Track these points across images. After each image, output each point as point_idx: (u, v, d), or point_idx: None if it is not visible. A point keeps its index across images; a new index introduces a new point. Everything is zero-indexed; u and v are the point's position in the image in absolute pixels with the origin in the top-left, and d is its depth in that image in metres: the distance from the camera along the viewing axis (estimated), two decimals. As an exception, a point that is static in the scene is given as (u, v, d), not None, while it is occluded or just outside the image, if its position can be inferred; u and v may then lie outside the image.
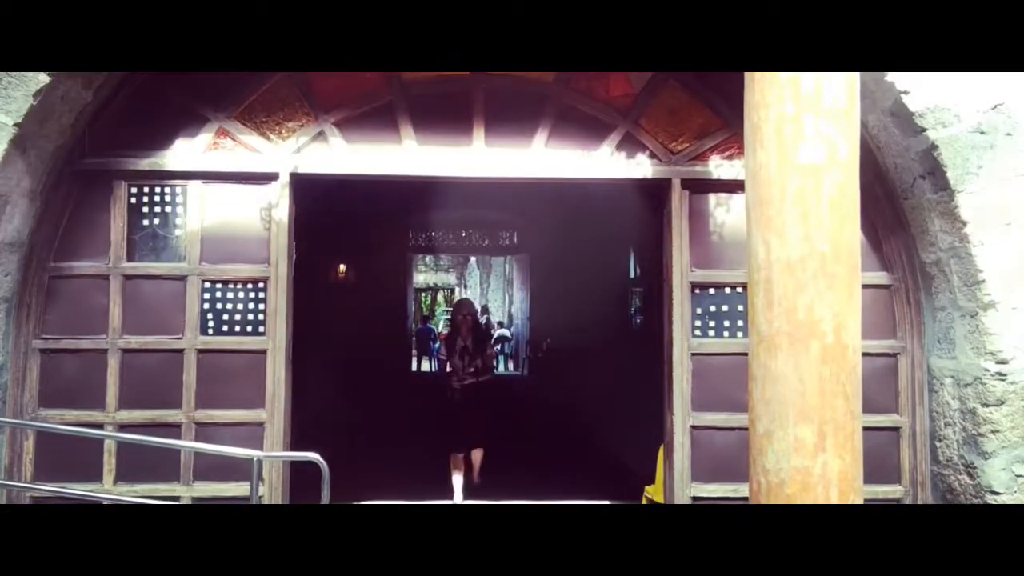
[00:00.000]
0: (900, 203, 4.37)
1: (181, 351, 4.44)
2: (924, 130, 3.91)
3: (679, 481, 4.55)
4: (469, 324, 6.74)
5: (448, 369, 6.68)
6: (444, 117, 4.60)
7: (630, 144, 4.64)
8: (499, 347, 16.90)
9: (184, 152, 4.50)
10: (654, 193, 4.87)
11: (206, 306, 4.48)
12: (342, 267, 11.70)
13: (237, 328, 4.50)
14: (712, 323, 4.62)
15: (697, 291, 4.62)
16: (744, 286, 3.93)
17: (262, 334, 4.49)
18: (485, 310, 23.20)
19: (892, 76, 3.85)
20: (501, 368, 16.43)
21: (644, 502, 5.35)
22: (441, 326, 21.14)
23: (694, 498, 4.53)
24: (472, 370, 6.48)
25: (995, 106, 3.86)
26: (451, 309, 7.80)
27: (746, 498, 2.90)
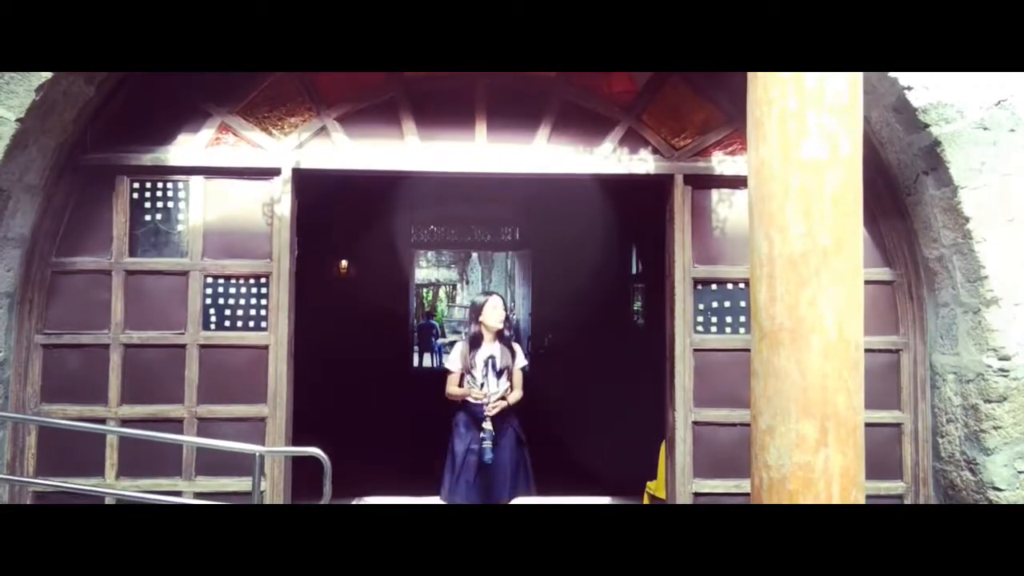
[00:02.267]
0: (903, 199, 4.37)
1: (183, 346, 4.44)
2: (927, 126, 3.90)
3: (681, 477, 4.55)
4: (499, 330, 4.78)
5: (463, 396, 4.63)
6: (446, 112, 4.60)
7: (632, 140, 4.63)
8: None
9: (186, 147, 4.50)
10: (656, 189, 4.87)
11: (208, 301, 4.49)
12: (344, 262, 11.71)
13: (239, 323, 4.50)
14: (714, 319, 4.62)
15: (699, 287, 4.62)
16: (746, 282, 3.95)
17: (264, 329, 4.49)
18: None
19: (895, 72, 3.84)
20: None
21: (646, 497, 5.35)
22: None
23: (696, 494, 4.53)
24: (498, 391, 4.60)
25: (998, 102, 3.85)
26: (471, 307, 5.00)
27: (748, 494, 2.91)
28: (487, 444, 4.43)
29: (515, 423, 4.70)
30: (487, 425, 4.46)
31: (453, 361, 4.80)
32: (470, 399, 4.59)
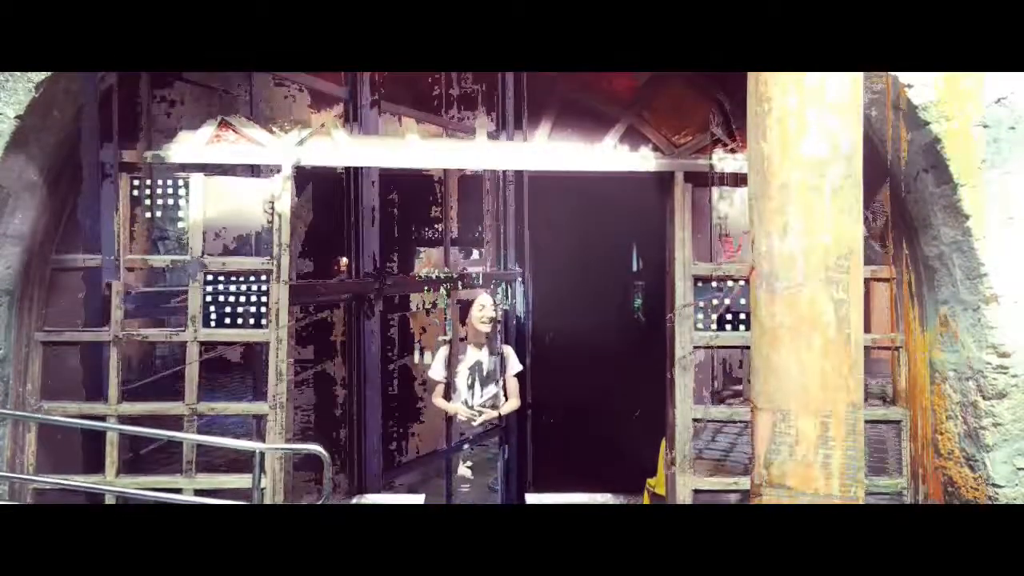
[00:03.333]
0: (903, 197, 4.36)
1: (183, 344, 4.45)
2: (927, 124, 3.90)
3: (680, 474, 4.56)
4: (486, 330, 4.32)
5: (451, 412, 4.19)
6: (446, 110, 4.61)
7: (633, 137, 4.63)
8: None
9: (186, 145, 4.48)
10: (657, 186, 4.87)
11: (208, 299, 4.49)
12: (344, 260, 11.69)
13: (239, 321, 4.50)
14: (714, 316, 4.62)
15: (700, 284, 4.62)
16: (747, 279, 3.95)
17: (264, 327, 4.49)
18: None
19: (895, 71, 3.83)
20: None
21: (646, 494, 5.36)
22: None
23: (696, 491, 4.54)
24: (484, 400, 4.20)
25: (999, 100, 3.85)
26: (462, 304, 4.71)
27: (748, 491, 2.91)
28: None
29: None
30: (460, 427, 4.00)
31: (436, 369, 4.28)
32: (460, 418, 4.14)
